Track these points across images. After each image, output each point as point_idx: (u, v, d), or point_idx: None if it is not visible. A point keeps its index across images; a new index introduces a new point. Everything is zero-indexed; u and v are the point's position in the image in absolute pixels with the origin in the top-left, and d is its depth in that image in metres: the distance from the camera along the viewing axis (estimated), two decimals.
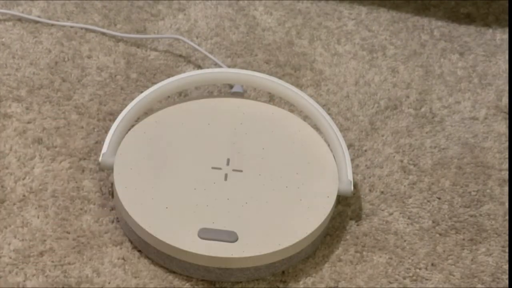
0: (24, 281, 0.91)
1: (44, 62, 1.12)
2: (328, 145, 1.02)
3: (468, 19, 1.27)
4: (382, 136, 1.10)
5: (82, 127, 1.06)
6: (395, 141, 1.09)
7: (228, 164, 0.98)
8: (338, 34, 1.22)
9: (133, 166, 0.97)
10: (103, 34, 1.17)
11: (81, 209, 0.98)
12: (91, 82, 1.11)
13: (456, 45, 1.23)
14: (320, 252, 0.97)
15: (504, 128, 1.12)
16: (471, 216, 1.02)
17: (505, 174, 1.07)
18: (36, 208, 0.97)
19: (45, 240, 0.94)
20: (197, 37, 1.19)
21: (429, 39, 1.23)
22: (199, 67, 1.16)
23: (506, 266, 0.97)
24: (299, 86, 1.14)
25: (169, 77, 1.07)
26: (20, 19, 1.18)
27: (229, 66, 1.15)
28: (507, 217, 1.02)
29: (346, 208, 1.01)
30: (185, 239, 0.91)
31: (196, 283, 0.93)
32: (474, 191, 1.04)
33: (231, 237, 0.92)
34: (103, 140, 1.01)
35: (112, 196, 0.99)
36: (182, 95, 1.11)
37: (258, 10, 1.24)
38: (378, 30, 1.24)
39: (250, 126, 1.03)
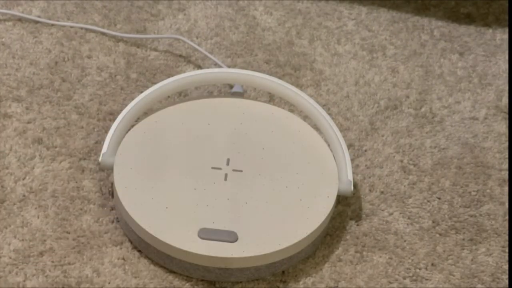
0: (24, 281, 0.91)
1: (44, 62, 1.12)
2: (328, 145, 1.02)
3: (468, 19, 1.27)
4: (382, 136, 1.09)
5: (82, 127, 1.06)
6: (395, 141, 1.09)
7: (228, 164, 0.98)
8: (338, 34, 1.22)
9: (133, 166, 0.97)
10: (103, 34, 1.17)
11: (81, 209, 0.98)
12: (91, 82, 1.11)
13: (456, 45, 1.23)
14: (320, 252, 0.97)
15: (504, 128, 1.12)
16: (471, 216, 1.02)
17: (505, 174, 1.06)
18: (36, 208, 0.97)
19: (45, 240, 0.94)
20: (197, 37, 1.19)
21: (429, 39, 1.23)
22: (199, 67, 1.16)
23: (506, 266, 0.97)
24: (299, 86, 1.14)
25: (169, 77, 1.07)
26: (20, 19, 1.18)
27: (229, 66, 1.15)
28: (507, 217, 1.02)
29: (346, 208, 1.01)
30: (185, 239, 0.91)
31: (196, 283, 0.93)
32: (474, 191, 1.04)
33: (231, 237, 0.92)
34: (103, 140, 1.01)
35: (112, 196, 0.99)
36: (182, 95, 1.11)
37: (258, 10, 1.24)
38: (378, 30, 1.24)
39: (250, 126, 1.02)
